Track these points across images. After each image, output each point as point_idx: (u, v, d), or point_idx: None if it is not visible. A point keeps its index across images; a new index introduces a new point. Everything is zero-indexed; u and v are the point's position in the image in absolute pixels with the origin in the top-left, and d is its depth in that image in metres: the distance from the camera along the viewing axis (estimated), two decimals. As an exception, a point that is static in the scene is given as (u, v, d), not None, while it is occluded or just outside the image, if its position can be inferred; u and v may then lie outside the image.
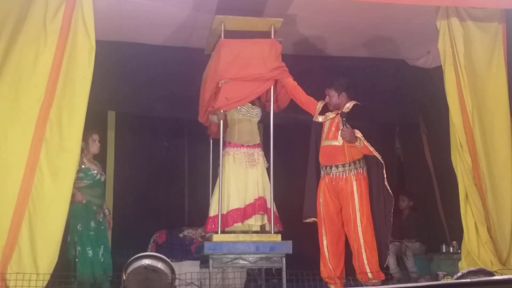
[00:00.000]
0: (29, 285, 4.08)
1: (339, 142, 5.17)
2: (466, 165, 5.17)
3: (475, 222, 5.07)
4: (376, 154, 5.08)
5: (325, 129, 5.29)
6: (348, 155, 5.13)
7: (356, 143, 5.09)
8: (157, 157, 7.12)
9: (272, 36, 5.34)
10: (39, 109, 4.44)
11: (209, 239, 5.03)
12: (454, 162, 5.24)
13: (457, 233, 5.37)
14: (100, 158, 5.66)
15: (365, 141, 5.07)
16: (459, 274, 4.04)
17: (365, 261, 4.97)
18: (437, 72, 5.65)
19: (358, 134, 5.10)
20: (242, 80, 5.20)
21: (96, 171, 5.34)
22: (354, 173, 5.14)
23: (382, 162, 5.08)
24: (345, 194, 5.10)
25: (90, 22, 4.64)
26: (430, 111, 6.91)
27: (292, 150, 6.84)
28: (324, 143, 5.26)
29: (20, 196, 4.30)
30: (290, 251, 4.91)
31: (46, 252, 4.32)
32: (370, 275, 4.92)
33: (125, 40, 6.07)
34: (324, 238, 5.16)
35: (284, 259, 4.89)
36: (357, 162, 5.16)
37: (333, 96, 5.30)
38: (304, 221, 5.29)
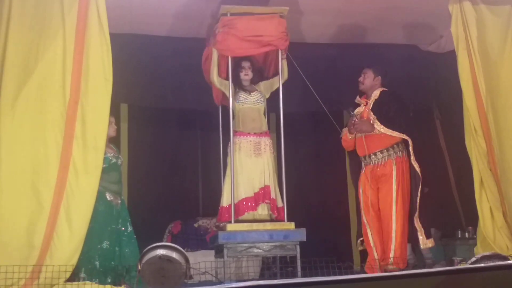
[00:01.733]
0: (52, 277, 4.14)
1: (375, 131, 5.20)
2: (481, 149, 5.14)
3: (490, 207, 5.05)
4: (399, 135, 5.10)
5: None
6: (386, 141, 5.17)
7: (375, 131, 5.08)
8: (170, 148, 7.15)
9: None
10: (67, 107, 4.51)
11: (223, 228, 5.05)
12: (468, 147, 5.22)
13: (473, 219, 5.34)
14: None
15: (383, 127, 5.07)
16: (474, 259, 4.02)
17: (393, 246, 4.99)
18: (450, 57, 5.60)
19: (373, 120, 5.11)
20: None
21: (111, 155, 5.15)
22: (394, 157, 5.15)
23: (409, 139, 5.06)
24: (385, 179, 5.13)
25: (104, 18, 4.68)
26: (443, 96, 6.85)
27: (304, 139, 6.83)
28: (358, 135, 5.29)
29: (56, 192, 4.38)
30: (304, 239, 4.93)
31: (73, 245, 4.39)
32: (391, 260, 4.95)
33: (136, 32, 6.08)
34: (368, 230, 5.19)
35: (298, 247, 4.91)
36: (395, 146, 5.17)
37: (369, 77, 5.36)
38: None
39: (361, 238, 5.30)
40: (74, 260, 4.33)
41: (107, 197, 5.05)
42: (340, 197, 7.05)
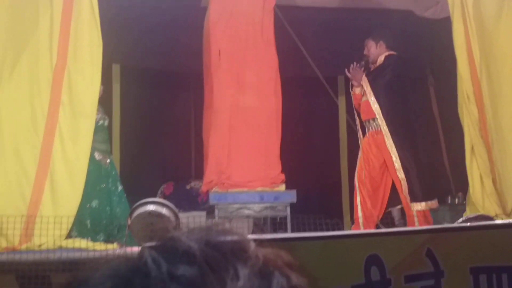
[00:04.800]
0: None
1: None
2: (473, 117, 5.15)
3: (480, 174, 5.09)
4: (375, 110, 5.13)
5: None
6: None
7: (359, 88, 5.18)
8: (163, 109, 7.11)
9: None
10: (53, 73, 4.45)
11: (214, 189, 5.08)
12: (460, 114, 5.23)
13: (463, 185, 5.38)
14: (106, 111, 5.62)
15: (368, 88, 5.08)
16: (460, 219, 4.09)
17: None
18: (446, 23, 5.55)
19: (364, 81, 5.13)
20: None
21: (98, 116, 5.10)
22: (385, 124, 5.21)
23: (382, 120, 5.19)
24: (382, 148, 5.21)
25: None
26: (438, 63, 6.82)
27: (297, 103, 6.80)
28: (363, 99, 5.37)
29: (41, 159, 4.36)
30: (295, 200, 4.96)
31: (67, 208, 4.40)
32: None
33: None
34: (357, 192, 5.26)
35: (288, 208, 4.94)
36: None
37: (372, 47, 5.36)
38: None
39: None
40: (64, 231, 4.32)
41: (96, 156, 5.04)
42: (332, 159, 7.08)
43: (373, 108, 5.22)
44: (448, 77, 5.69)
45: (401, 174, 5.15)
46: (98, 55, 4.57)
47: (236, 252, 0.78)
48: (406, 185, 5.15)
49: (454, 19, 5.24)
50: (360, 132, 5.56)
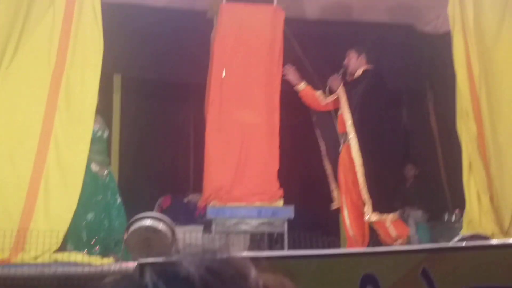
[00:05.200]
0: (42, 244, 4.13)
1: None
2: (471, 133, 5.14)
3: (477, 191, 5.07)
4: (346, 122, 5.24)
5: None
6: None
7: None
8: (163, 121, 7.11)
9: (275, 1, 5.28)
10: (51, 77, 4.42)
11: (212, 204, 5.06)
12: (459, 130, 5.22)
13: (460, 202, 5.37)
14: (105, 122, 5.62)
15: (343, 100, 5.25)
16: (457, 238, 4.07)
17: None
18: (446, 38, 5.57)
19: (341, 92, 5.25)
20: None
21: (96, 127, 5.05)
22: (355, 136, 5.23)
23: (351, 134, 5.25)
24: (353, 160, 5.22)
25: None
26: (437, 78, 6.83)
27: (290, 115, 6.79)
28: (339, 111, 5.42)
29: (35, 163, 4.32)
30: (292, 216, 4.95)
31: (61, 219, 4.36)
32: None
33: (131, 3, 6.02)
34: (344, 207, 5.23)
35: (286, 224, 4.93)
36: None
37: (352, 58, 5.40)
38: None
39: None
40: (55, 246, 4.26)
41: (93, 168, 5.00)
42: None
43: (345, 119, 5.24)
44: (448, 92, 5.69)
45: (364, 188, 5.15)
46: (98, 62, 4.54)
47: (236, 280, 0.78)
48: (368, 196, 5.14)
49: (455, 34, 5.25)
50: (322, 143, 5.61)
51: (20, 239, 4.14)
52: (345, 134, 5.32)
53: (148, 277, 0.78)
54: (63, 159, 4.42)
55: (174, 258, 0.81)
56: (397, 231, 5.11)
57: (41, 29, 4.51)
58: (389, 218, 5.15)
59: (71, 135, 4.46)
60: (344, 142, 5.36)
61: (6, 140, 4.35)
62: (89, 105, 4.53)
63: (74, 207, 4.41)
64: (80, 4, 4.57)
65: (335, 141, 5.54)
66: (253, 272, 0.80)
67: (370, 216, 5.12)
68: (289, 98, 5.59)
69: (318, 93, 5.56)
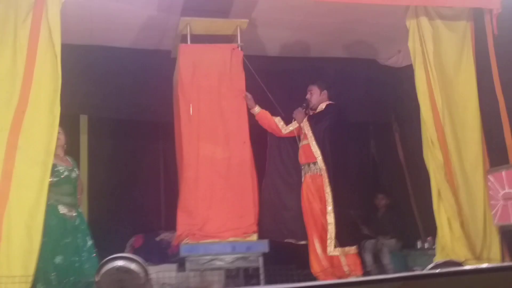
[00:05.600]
0: None
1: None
2: (438, 161, 5.23)
3: (448, 218, 5.13)
4: (316, 152, 5.33)
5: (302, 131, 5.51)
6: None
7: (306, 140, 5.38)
8: (131, 160, 7.05)
9: (239, 39, 5.41)
10: (13, 116, 4.36)
11: (185, 241, 5.00)
12: (426, 159, 5.30)
13: (432, 229, 5.44)
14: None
15: (311, 135, 5.31)
16: (430, 266, 4.10)
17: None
18: (408, 71, 5.72)
19: (305, 124, 5.39)
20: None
21: (63, 167, 4.99)
22: (325, 169, 5.28)
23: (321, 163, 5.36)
24: (322, 190, 5.26)
25: (55, 29, 4.53)
26: (402, 110, 6.99)
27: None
28: (303, 142, 5.45)
29: None
30: (267, 250, 4.93)
31: (25, 261, 4.22)
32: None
33: (97, 44, 6.05)
34: (314, 235, 5.23)
35: (261, 258, 4.90)
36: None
37: (315, 93, 5.54)
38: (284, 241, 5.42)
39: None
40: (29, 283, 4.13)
41: (60, 210, 4.89)
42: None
43: (314, 151, 5.33)
44: (413, 123, 5.81)
45: (330, 218, 5.19)
46: (57, 101, 4.48)
47: None
48: (333, 229, 5.18)
49: (416, 67, 5.38)
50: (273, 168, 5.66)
51: None
52: (309, 165, 5.38)
53: None
54: (24, 199, 4.31)
55: None
56: (350, 267, 5.14)
57: (5, 69, 4.47)
58: (346, 251, 5.20)
59: (31, 175, 4.36)
60: (307, 173, 5.40)
61: None
62: (48, 145, 4.44)
63: (36, 252, 4.27)
64: (41, 45, 4.54)
65: (288, 169, 5.60)
66: None
67: (331, 250, 5.15)
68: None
69: (277, 119, 5.63)
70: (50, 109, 4.48)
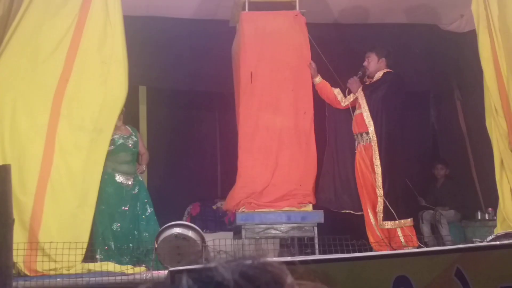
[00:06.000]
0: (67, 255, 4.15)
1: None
2: (502, 130, 5.07)
3: (510, 188, 4.99)
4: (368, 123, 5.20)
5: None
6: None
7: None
8: (189, 130, 7.17)
9: (297, 7, 5.30)
10: (57, 84, 4.46)
11: (242, 210, 5.06)
12: (489, 128, 5.15)
13: (493, 200, 5.28)
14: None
15: (363, 101, 5.19)
16: (490, 237, 3.99)
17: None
18: (471, 36, 5.51)
19: (359, 94, 5.24)
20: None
21: (117, 136, 5.01)
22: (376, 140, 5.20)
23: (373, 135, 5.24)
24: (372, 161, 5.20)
25: (112, 1, 4.61)
26: (464, 77, 6.75)
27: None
28: (356, 112, 5.35)
29: (42, 170, 4.32)
30: (322, 220, 4.93)
31: (76, 227, 4.38)
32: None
33: (154, 15, 6.10)
34: (368, 206, 5.18)
35: (316, 228, 4.91)
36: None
37: (373, 60, 5.38)
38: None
39: None
40: (79, 256, 4.22)
41: (117, 178, 5.00)
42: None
43: (366, 122, 5.20)
44: (475, 90, 5.61)
45: (379, 191, 5.08)
46: (104, 71, 4.55)
47: (272, 286, 0.78)
48: (382, 203, 5.07)
49: (480, 32, 5.18)
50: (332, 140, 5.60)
51: (33, 251, 4.13)
52: (361, 134, 5.27)
53: (184, 282, 0.78)
54: (68, 165, 4.40)
55: (209, 263, 0.82)
56: (405, 238, 5.04)
57: (52, 38, 4.54)
58: (402, 224, 5.10)
59: (73, 142, 4.47)
60: (360, 142, 5.30)
61: (16, 145, 4.36)
62: (91, 113, 4.54)
63: (90, 219, 4.40)
64: (92, 16, 4.58)
65: (346, 140, 5.52)
66: (289, 279, 0.80)
67: (382, 223, 5.08)
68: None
69: (336, 91, 5.50)
70: (95, 78, 4.55)
